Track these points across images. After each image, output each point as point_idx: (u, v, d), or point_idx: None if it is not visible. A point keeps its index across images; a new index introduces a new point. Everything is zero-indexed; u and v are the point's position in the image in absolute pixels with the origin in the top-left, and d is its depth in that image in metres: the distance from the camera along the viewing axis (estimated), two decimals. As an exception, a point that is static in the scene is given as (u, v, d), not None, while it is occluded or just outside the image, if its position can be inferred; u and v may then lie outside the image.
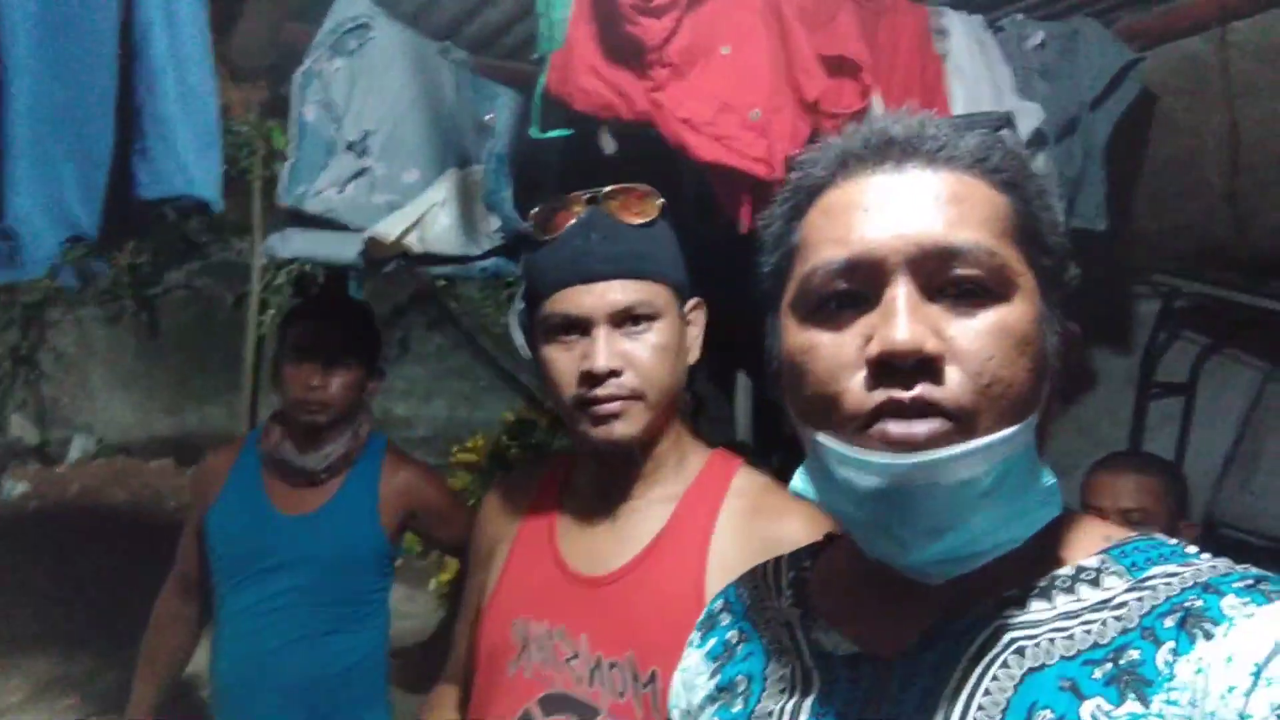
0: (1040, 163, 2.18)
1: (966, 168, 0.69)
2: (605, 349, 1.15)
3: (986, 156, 0.69)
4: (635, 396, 1.16)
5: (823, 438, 0.67)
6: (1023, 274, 0.67)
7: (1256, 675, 0.56)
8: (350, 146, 1.99)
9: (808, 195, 0.73)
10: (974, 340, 0.64)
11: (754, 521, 1.17)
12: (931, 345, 0.63)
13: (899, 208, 0.67)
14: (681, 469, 1.24)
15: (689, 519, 1.19)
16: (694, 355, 1.26)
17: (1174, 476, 2.30)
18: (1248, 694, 0.56)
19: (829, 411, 0.67)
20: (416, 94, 2.06)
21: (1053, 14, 2.41)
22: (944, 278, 0.66)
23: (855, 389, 0.65)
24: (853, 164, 0.71)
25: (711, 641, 0.85)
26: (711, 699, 0.80)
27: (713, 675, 0.82)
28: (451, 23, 2.31)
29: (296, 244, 2.04)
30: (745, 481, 1.23)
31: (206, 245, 7.78)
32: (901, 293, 0.65)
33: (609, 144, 1.76)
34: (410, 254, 2.05)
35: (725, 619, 0.86)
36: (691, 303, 1.26)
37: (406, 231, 1.99)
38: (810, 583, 0.82)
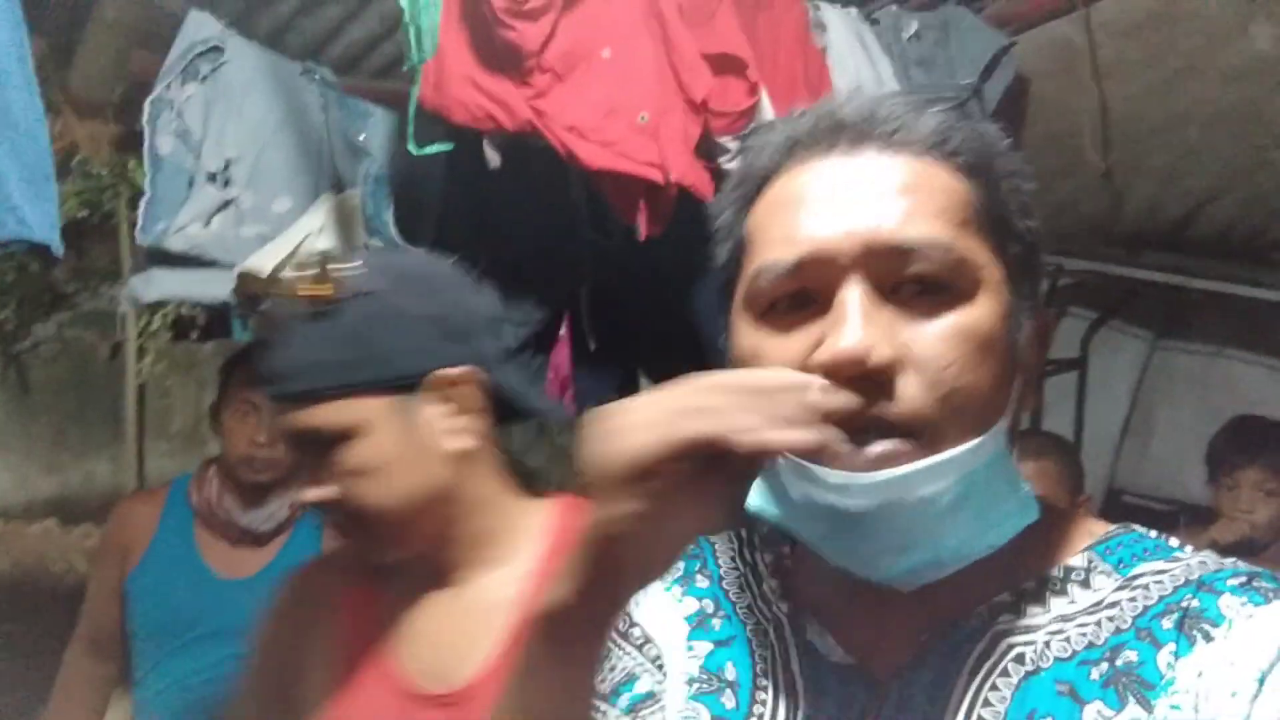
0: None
1: (925, 151, 0.63)
2: (316, 488, 0.97)
3: (946, 138, 0.64)
4: (358, 524, 0.98)
5: None
6: (986, 266, 0.62)
7: (1261, 681, 0.54)
8: (211, 177, 1.86)
9: (755, 184, 0.68)
10: (931, 346, 0.59)
11: None
12: (879, 354, 0.57)
13: (849, 201, 0.62)
14: (515, 539, 1.03)
15: (538, 581, 0.99)
16: (462, 442, 1.00)
17: (1067, 453, 2.35)
18: (1253, 700, 0.54)
19: None
20: (281, 117, 1.94)
21: (924, 4, 2.44)
22: (899, 276, 0.60)
23: None
24: (800, 150, 0.65)
25: (690, 603, 0.77)
26: (693, 680, 0.72)
27: (688, 644, 0.74)
28: (313, 44, 2.20)
29: (162, 285, 1.90)
30: None
31: (75, 294, 7.39)
32: (852, 295, 0.60)
33: (493, 157, 1.68)
34: (288, 288, 1.93)
35: (703, 582, 0.78)
36: (448, 376, 0.99)
37: (281, 264, 1.86)
38: (794, 572, 0.76)
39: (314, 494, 0.98)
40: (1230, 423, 2.46)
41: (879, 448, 0.58)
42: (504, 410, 1.05)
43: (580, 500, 0.98)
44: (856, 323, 0.58)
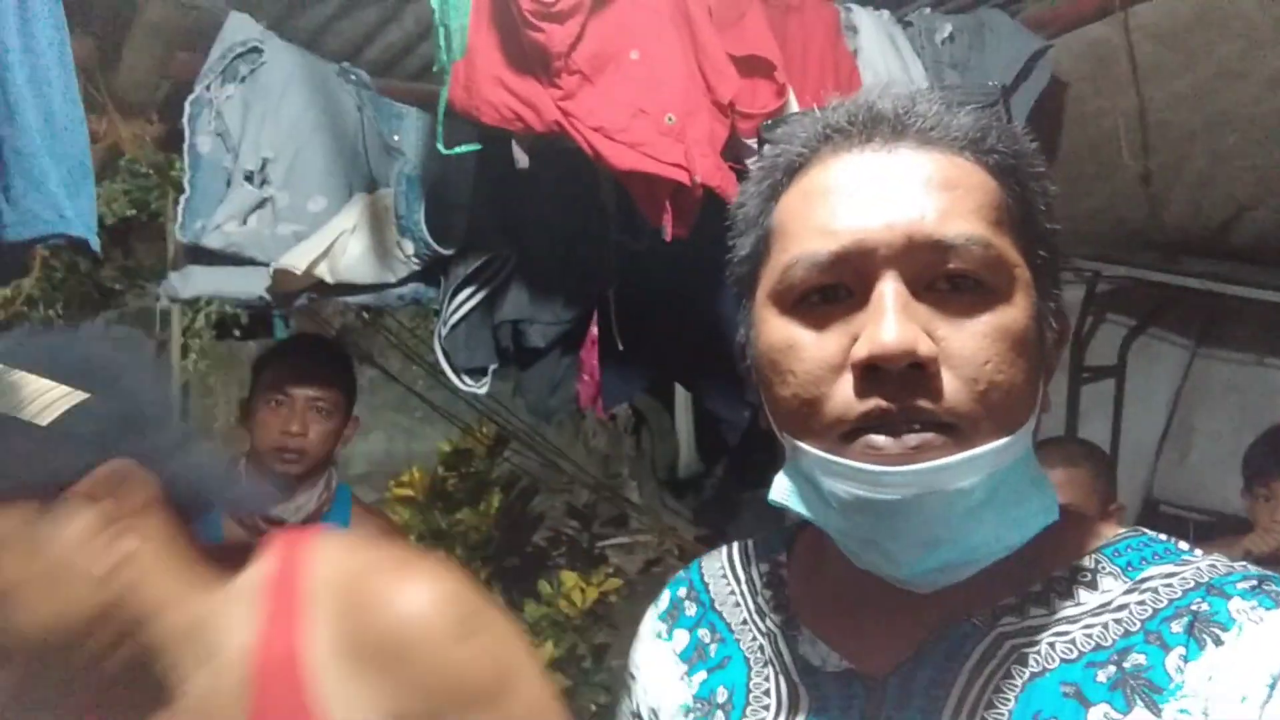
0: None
1: (960, 149, 0.63)
2: None
3: (982, 136, 0.63)
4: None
5: (804, 444, 0.62)
6: (1018, 266, 0.62)
7: (1272, 686, 0.54)
8: (249, 176, 1.90)
9: (785, 173, 0.67)
10: (968, 343, 0.59)
11: (357, 622, 0.83)
12: (923, 349, 0.57)
13: (888, 194, 0.61)
14: (222, 620, 0.87)
15: (263, 653, 0.84)
16: (115, 553, 0.83)
17: (1100, 461, 2.31)
18: (1263, 705, 0.54)
19: (810, 417, 0.61)
20: (317, 118, 1.98)
21: (959, 7, 2.42)
22: (936, 272, 0.60)
23: (839, 395, 0.60)
24: (836, 140, 0.64)
25: (681, 637, 0.78)
26: (688, 709, 0.73)
27: (684, 677, 0.75)
28: (350, 46, 2.22)
29: (198, 282, 1.94)
30: (330, 568, 0.87)
31: (121, 293, 7.55)
32: (890, 289, 0.59)
33: (522, 158, 1.69)
34: (322, 285, 1.96)
35: (692, 609, 0.79)
36: (94, 479, 0.82)
37: (316, 262, 1.90)
38: (788, 582, 0.76)
39: None
40: (1266, 432, 2.39)
41: (916, 439, 0.58)
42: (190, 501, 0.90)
43: (290, 538, 0.88)
44: (896, 316, 0.58)
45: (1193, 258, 2.80)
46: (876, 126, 0.63)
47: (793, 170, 0.66)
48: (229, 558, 0.90)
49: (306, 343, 2.27)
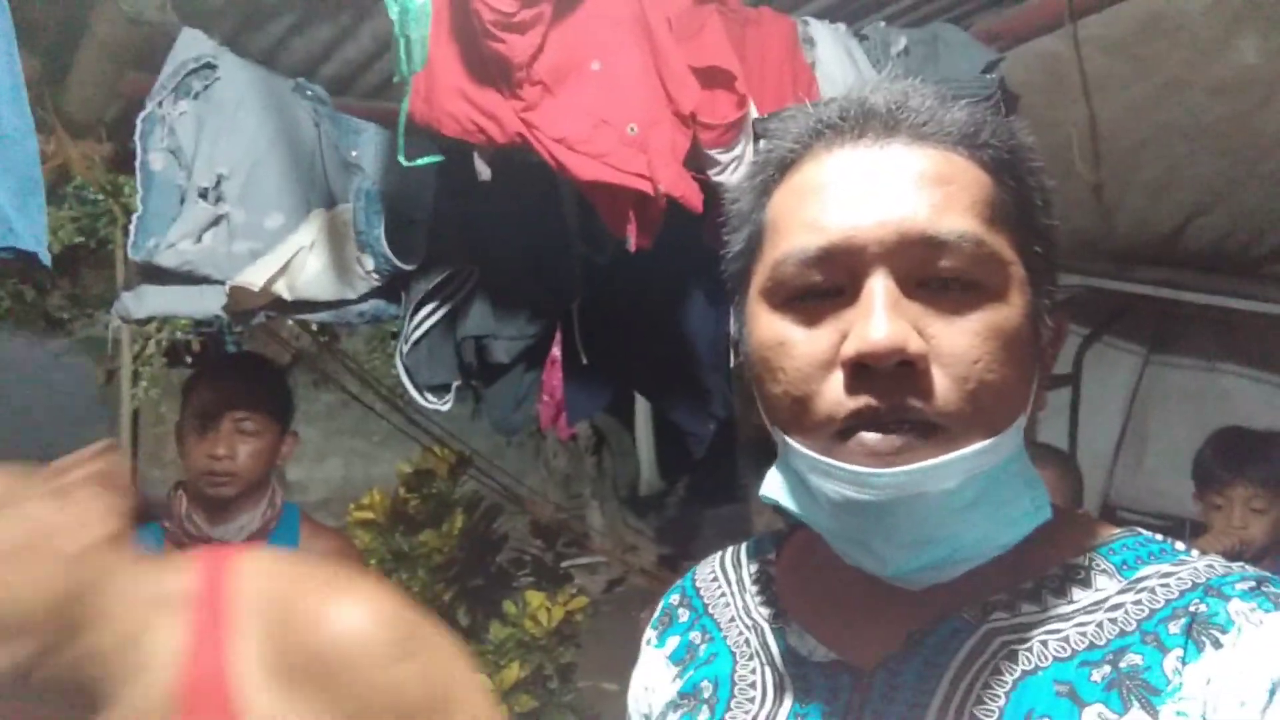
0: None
1: (953, 144, 0.62)
2: None
3: (976, 132, 0.63)
4: None
5: (794, 442, 0.61)
6: (1013, 264, 0.61)
7: (1272, 692, 0.54)
8: (203, 193, 1.86)
9: (778, 169, 0.66)
10: (959, 341, 0.59)
11: (288, 640, 0.81)
12: (913, 346, 0.57)
13: (879, 190, 0.60)
14: (155, 636, 0.83)
15: (191, 670, 0.81)
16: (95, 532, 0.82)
17: (1068, 466, 2.33)
18: (1263, 710, 0.53)
19: (800, 415, 0.61)
20: (273, 133, 1.95)
21: (913, 21, 2.45)
22: (927, 270, 0.59)
23: (829, 393, 0.59)
24: (829, 136, 0.64)
25: (672, 641, 0.78)
26: (674, 705, 0.73)
27: (674, 680, 0.75)
28: (306, 62, 2.20)
29: (152, 302, 1.90)
30: (258, 584, 0.84)
31: (69, 321, 7.38)
32: (880, 286, 0.59)
33: (484, 170, 1.68)
34: (280, 303, 1.93)
35: (684, 615, 0.79)
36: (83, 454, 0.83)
37: (274, 279, 1.87)
38: (777, 579, 0.75)
39: None
40: (1214, 436, 2.42)
41: (905, 438, 0.57)
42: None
43: (213, 554, 0.87)
44: (885, 314, 0.57)
45: (1145, 266, 2.85)
46: (869, 122, 0.63)
47: (785, 166, 0.66)
48: (153, 571, 0.87)
49: (230, 364, 2.26)
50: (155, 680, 0.82)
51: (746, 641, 0.72)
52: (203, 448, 1.85)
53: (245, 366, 2.16)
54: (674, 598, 0.82)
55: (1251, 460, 2.28)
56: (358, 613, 0.83)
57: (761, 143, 0.69)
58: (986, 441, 0.58)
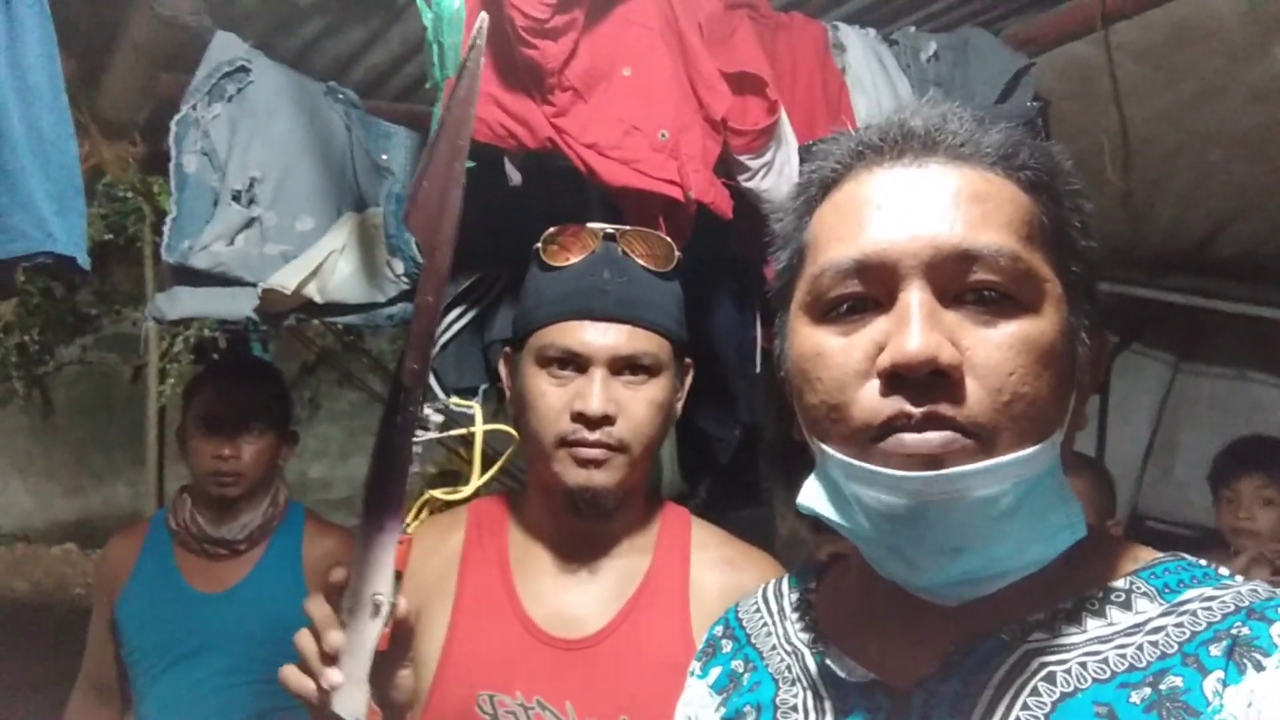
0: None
1: (990, 165, 0.64)
2: (602, 393, 1.10)
3: (1013, 153, 0.64)
4: (620, 449, 1.11)
5: (831, 449, 0.62)
6: (1049, 281, 0.62)
7: None
8: (236, 196, 1.88)
9: (820, 189, 0.68)
10: (994, 353, 0.59)
11: (726, 573, 1.15)
12: (947, 356, 0.58)
13: (916, 206, 0.62)
14: (646, 523, 1.21)
15: (665, 574, 1.16)
16: (676, 415, 1.23)
17: (1100, 475, 2.31)
18: None
19: (837, 422, 0.61)
20: (305, 137, 1.96)
21: (943, 26, 2.44)
22: (963, 283, 0.60)
23: (865, 399, 0.60)
24: (869, 157, 0.66)
25: (715, 671, 0.79)
26: None
27: (718, 709, 0.76)
28: (336, 65, 2.21)
29: (185, 303, 1.92)
30: (704, 534, 1.21)
31: (98, 318, 7.47)
32: (915, 298, 0.60)
33: (514, 175, 1.68)
34: (311, 305, 1.94)
35: (728, 645, 0.81)
36: (686, 363, 1.24)
37: (305, 281, 1.88)
38: (816, 605, 0.77)
39: (598, 405, 1.10)
40: (1230, 442, 2.46)
41: (941, 436, 0.58)
42: None
43: (674, 506, 1.21)
44: (920, 325, 0.58)
45: (1175, 273, 2.83)
46: (908, 143, 0.65)
47: (827, 186, 0.68)
48: None
49: (231, 365, 2.32)
50: (640, 556, 1.20)
51: (788, 667, 0.73)
52: (208, 449, 1.89)
53: (244, 367, 2.21)
54: (718, 629, 0.84)
55: (1262, 457, 2.33)
56: (766, 566, 1.17)
57: (804, 165, 0.70)
58: (1024, 451, 0.58)
